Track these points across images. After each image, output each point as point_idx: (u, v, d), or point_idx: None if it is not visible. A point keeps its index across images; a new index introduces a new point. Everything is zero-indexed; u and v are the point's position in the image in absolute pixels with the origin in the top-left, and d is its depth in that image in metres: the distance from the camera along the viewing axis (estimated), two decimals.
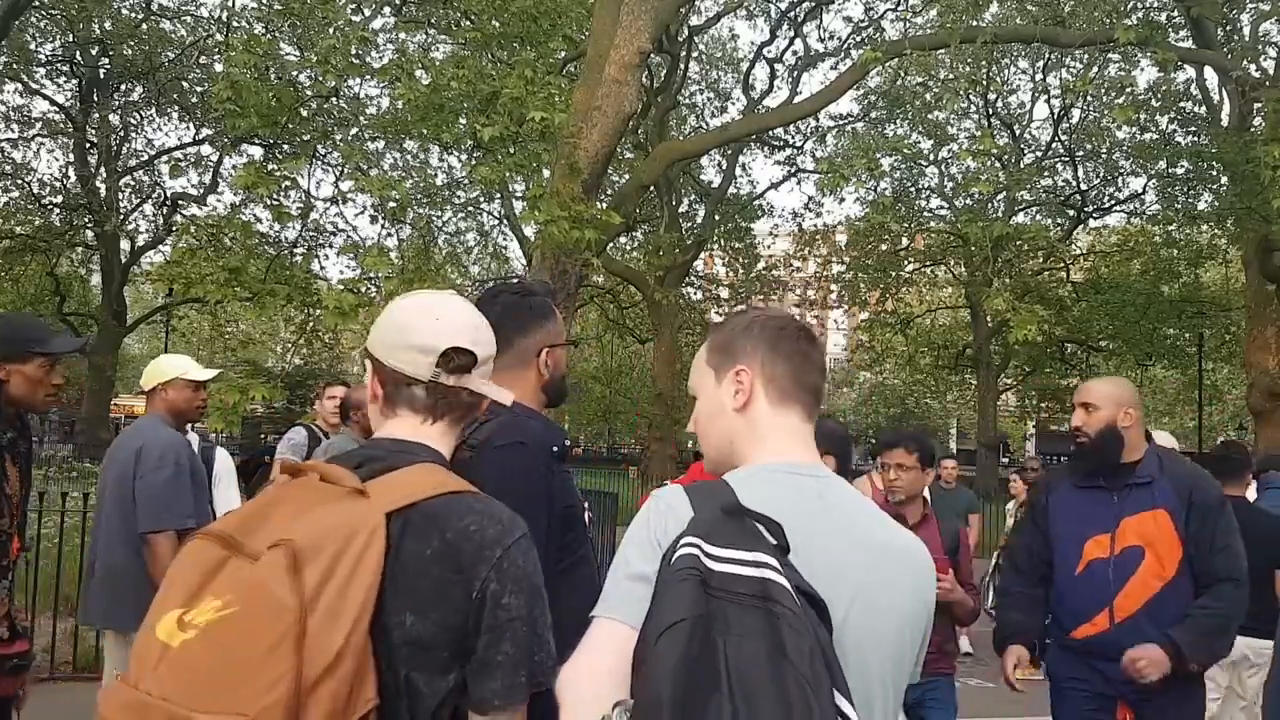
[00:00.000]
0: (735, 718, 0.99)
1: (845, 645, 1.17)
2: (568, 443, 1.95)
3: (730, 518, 1.18)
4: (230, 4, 14.34)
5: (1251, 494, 6.15)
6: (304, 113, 10.04)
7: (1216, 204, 17.71)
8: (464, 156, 12.41)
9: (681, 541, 1.16)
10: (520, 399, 1.87)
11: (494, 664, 1.28)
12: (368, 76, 9.65)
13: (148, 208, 23.15)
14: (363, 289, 9.11)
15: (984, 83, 19.22)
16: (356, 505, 1.28)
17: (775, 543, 1.15)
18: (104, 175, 20.75)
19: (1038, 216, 23.20)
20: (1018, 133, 22.83)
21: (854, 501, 1.31)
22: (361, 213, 15.04)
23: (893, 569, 1.24)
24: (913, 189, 23.36)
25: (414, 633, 1.26)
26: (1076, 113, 21.99)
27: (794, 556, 1.17)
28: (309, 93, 9.89)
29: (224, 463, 4.59)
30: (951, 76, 20.61)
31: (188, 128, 21.40)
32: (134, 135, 22.12)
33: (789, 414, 1.36)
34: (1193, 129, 19.18)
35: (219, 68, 14.07)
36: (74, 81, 20.85)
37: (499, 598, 1.29)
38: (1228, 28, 16.08)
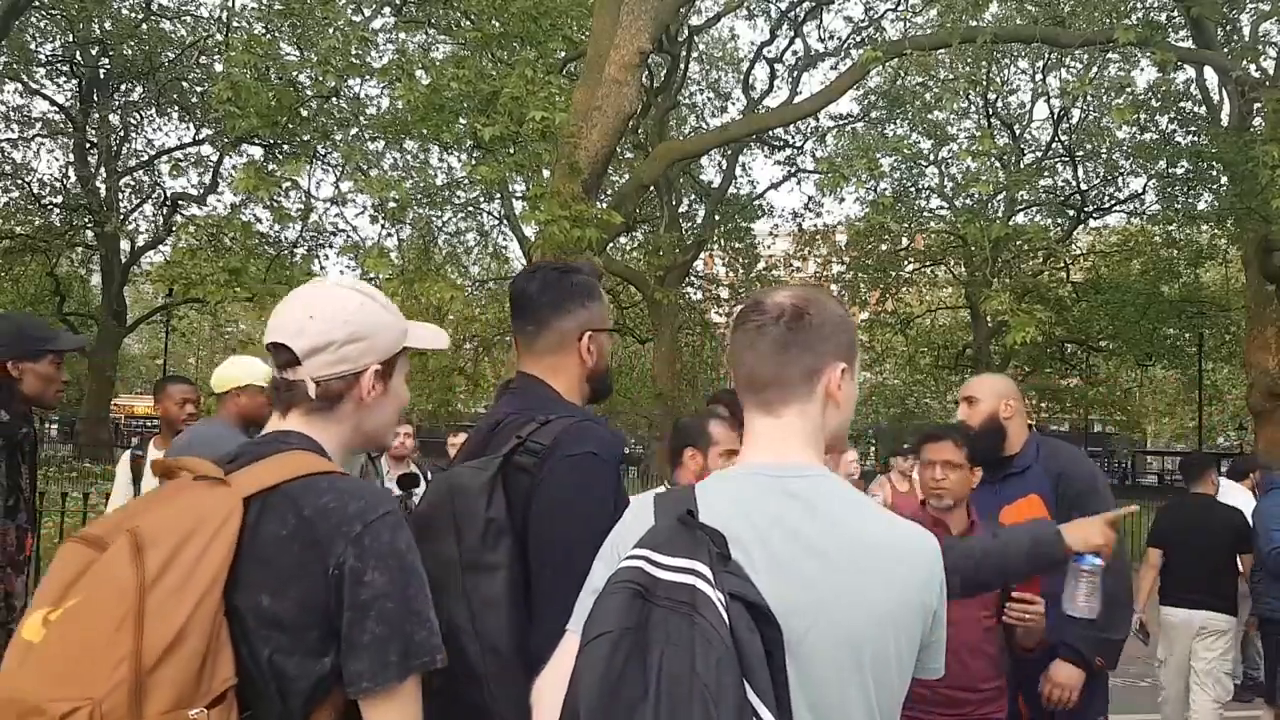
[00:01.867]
0: None
1: (815, 646, 1.17)
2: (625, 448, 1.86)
3: (682, 527, 1.18)
4: (230, 4, 14.35)
5: (1242, 495, 6.30)
6: (304, 113, 10.04)
7: (1216, 204, 17.70)
8: (464, 156, 12.41)
9: (629, 553, 1.17)
10: (563, 390, 1.76)
11: (360, 644, 1.24)
12: (368, 76, 9.65)
13: (148, 208, 23.15)
14: None
15: (984, 83, 19.21)
16: (215, 492, 1.29)
17: (717, 551, 1.15)
18: (104, 175, 20.74)
19: (1037, 216, 23.18)
20: (1018, 133, 22.82)
21: (839, 499, 1.28)
22: (361, 213, 15.07)
23: (878, 565, 1.22)
24: (913, 189, 23.34)
25: (271, 612, 1.25)
26: (1076, 113, 21.98)
27: (754, 561, 1.18)
28: (309, 93, 9.89)
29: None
30: (951, 76, 20.60)
31: (188, 128, 21.40)
32: (134, 135, 22.12)
33: (749, 412, 1.35)
34: (1193, 129, 19.16)
35: (219, 68, 14.07)
36: (74, 81, 20.84)
37: (359, 574, 1.25)
38: (1228, 28, 16.07)
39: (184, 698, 1.17)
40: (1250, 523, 5.23)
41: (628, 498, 1.75)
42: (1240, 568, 5.38)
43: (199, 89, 19.10)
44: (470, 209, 21.70)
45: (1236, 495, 6.76)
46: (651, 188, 17.24)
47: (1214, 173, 16.95)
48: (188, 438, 3.62)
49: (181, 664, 1.18)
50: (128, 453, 4.42)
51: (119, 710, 1.14)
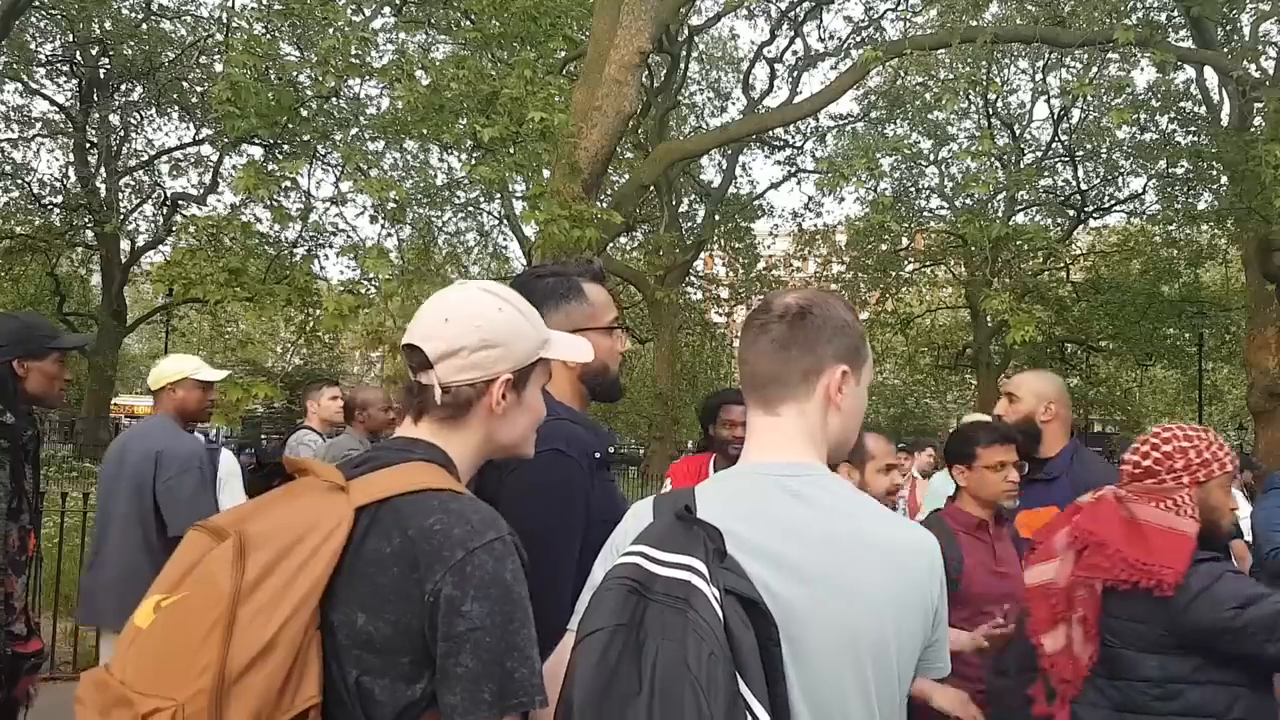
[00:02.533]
0: (651, 717, 1.03)
1: (813, 643, 1.18)
2: (612, 448, 1.83)
3: (679, 523, 1.19)
4: (230, 4, 14.34)
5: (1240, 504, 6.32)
6: (304, 113, 10.03)
7: (1216, 204, 17.69)
8: (464, 156, 12.41)
9: (626, 550, 1.18)
10: (555, 392, 1.74)
11: (452, 675, 1.19)
12: (368, 77, 9.65)
13: (148, 208, 23.15)
14: (362, 290, 9.12)
15: (984, 83, 19.19)
16: (331, 499, 1.26)
17: (713, 547, 1.15)
18: (104, 175, 20.74)
19: (1037, 216, 23.19)
20: (1018, 133, 22.82)
21: (838, 497, 1.28)
22: (361, 213, 15.04)
23: (877, 563, 1.22)
24: (913, 189, 23.36)
25: (364, 633, 1.21)
26: (1076, 113, 21.98)
27: (752, 558, 1.19)
28: (309, 93, 9.88)
29: (228, 465, 4.59)
30: (951, 76, 20.61)
31: (188, 128, 21.41)
32: (134, 135, 22.12)
33: (751, 411, 1.35)
34: (1193, 129, 19.17)
35: (219, 68, 14.07)
36: (74, 81, 20.85)
37: (457, 603, 1.19)
38: (1228, 28, 16.06)
39: (263, 712, 1.15)
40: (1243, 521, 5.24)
41: (615, 498, 1.77)
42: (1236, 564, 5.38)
43: (199, 89, 19.11)
44: (470, 209, 21.70)
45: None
46: (651, 188, 17.24)
47: (1214, 173, 16.95)
48: (125, 435, 3.77)
49: (265, 678, 1.15)
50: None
51: (199, 717, 1.13)
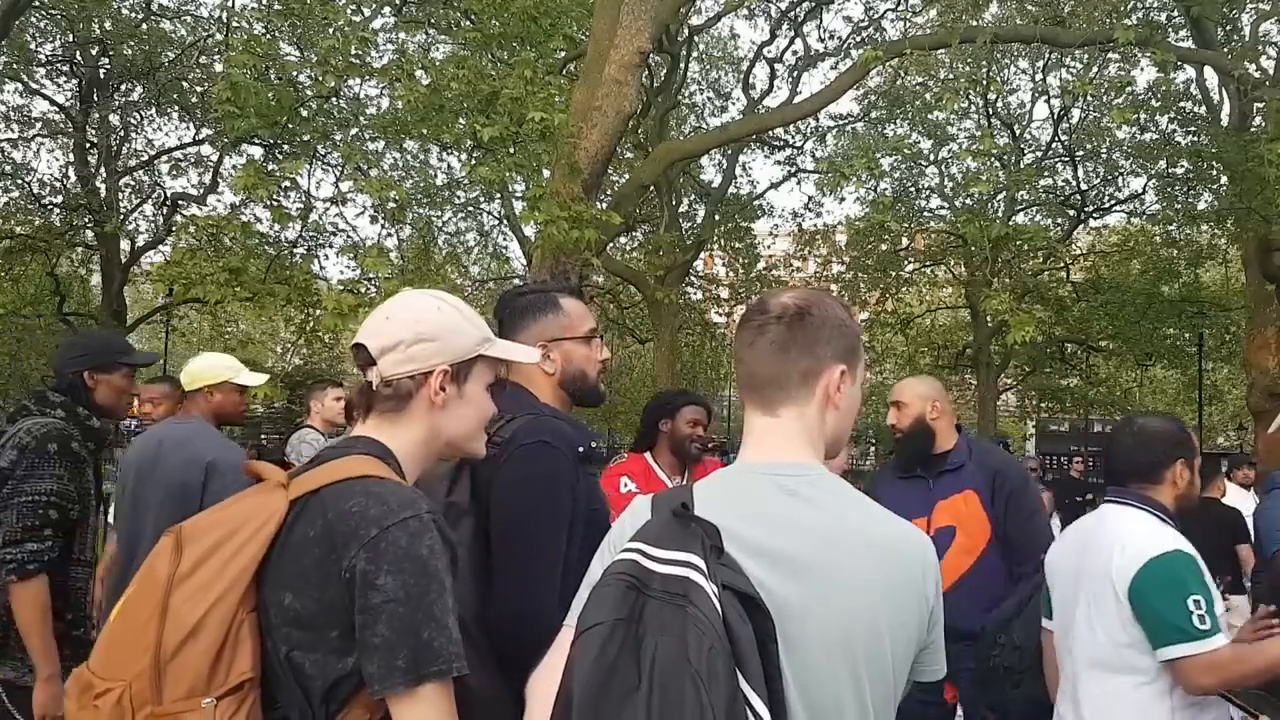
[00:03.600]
0: (650, 713, 1.03)
1: (809, 640, 1.18)
2: (595, 444, 1.95)
3: (676, 520, 1.20)
4: (230, 4, 14.34)
5: (1242, 496, 6.37)
6: (304, 113, 10.03)
7: (1216, 204, 17.69)
8: (464, 156, 12.41)
9: (624, 546, 1.18)
10: (543, 397, 1.90)
11: (370, 646, 1.26)
12: (368, 77, 9.64)
13: (148, 208, 23.11)
14: (362, 289, 9.12)
15: (984, 83, 19.18)
16: (270, 495, 1.38)
17: (711, 543, 1.16)
18: (104, 175, 20.72)
19: (1038, 216, 23.18)
20: (1018, 133, 22.81)
21: (836, 496, 1.29)
22: (361, 213, 15.06)
23: (873, 562, 1.23)
24: (913, 189, 23.33)
25: (292, 610, 1.30)
26: (1076, 113, 21.97)
27: (749, 555, 1.20)
28: (309, 93, 9.88)
29: None
30: (951, 76, 20.60)
31: (188, 128, 21.37)
32: (134, 135, 22.08)
33: (749, 411, 1.36)
34: (1193, 129, 19.16)
35: (219, 68, 14.06)
36: (74, 81, 20.82)
37: (371, 577, 1.27)
38: (1228, 28, 16.06)
39: (197, 687, 1.25)
40: (1247, 520, 5.24)
41: (598, 491, 1.89)
42: (1243, 567, 5.37)
43: (199, 89, 19.09)
44: (470, 209, 21.70)
45: (1233, 494, 6.82)
46: (651, 188, 17.23)
47: (1214, 173, 16.94)
48: (158, 438, 3.51)
49: (197, 656, 1.26)
50: None
51: (143, 695, 1.25)
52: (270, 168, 9.49)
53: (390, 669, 1.25)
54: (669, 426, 3.86)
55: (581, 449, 1.81)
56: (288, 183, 8.80)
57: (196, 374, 3.60)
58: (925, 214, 23.66)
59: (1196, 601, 2.12)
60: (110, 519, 3.98)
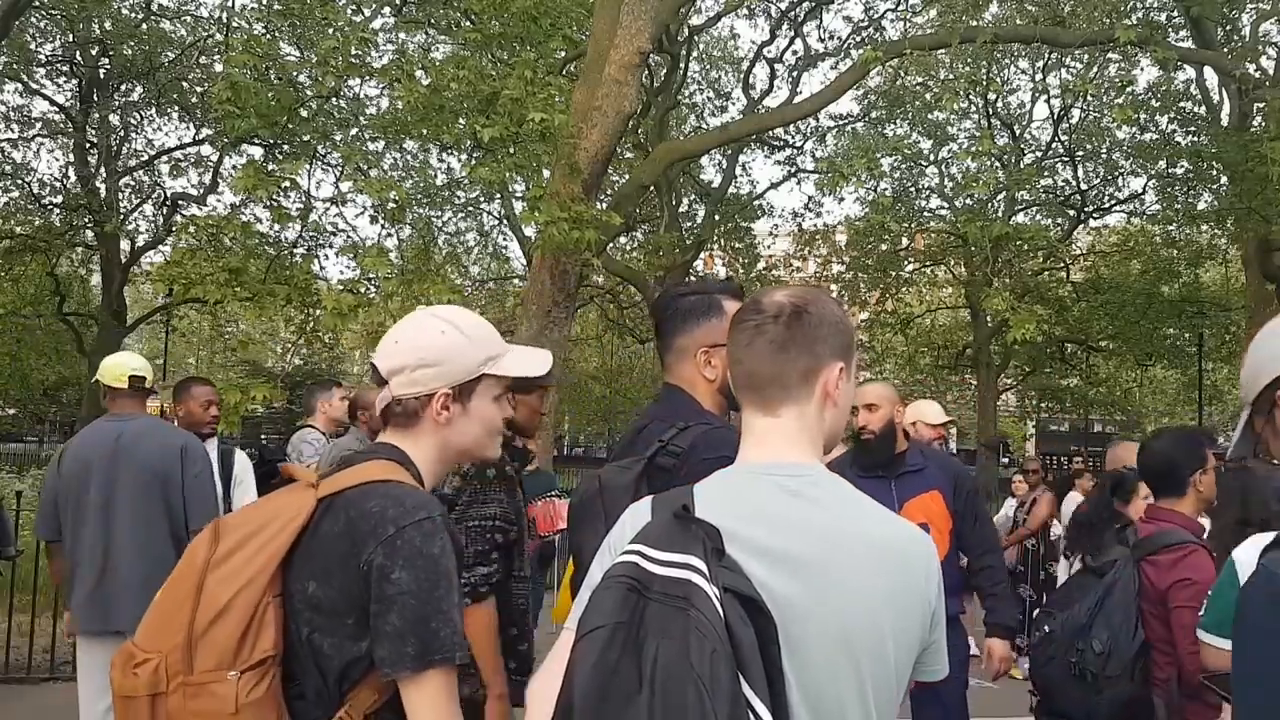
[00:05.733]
0: (651, 718, 1.04)
1: (810, 641, 1.18)
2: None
3: (677, 522, 1.19)
4: (230, 4, 14.34)
5: None
6: (304, 113, 10.03)
7: (1216, 204, 17.70)
8: (464, 157, 12.41)
9: (625, 549, 1.18)
10: (702, 400, 1.92)
11: (382, 633, 1.40)
12: (368, 77, 9.64)
13: (148, 208, 23.12)
14: (362, 289, 9.12)
15: (984, 83, 19.19)
16: (301, 494, 1.53)
17: (712, 546, 1.16)
18: (104, 175, 20.72)
19: (1038, 216, 23.19)
20: (1018, 133, 22.82)
21: (837, 496, 1.29)
22: (361, 213, 15.02)
23: (875, 563, 1.22)
24: (913, 189, 23.35)
25: (314, 598, 1.45)
26: (1076, 113, 21.98)
27: (750, 556, 1.19)
28: (309, 93, 9.88)
29: (243, 464, 4.63)
30: (951, 76, 20.60)
31: (188, 128, 21.38)
32: (134, 135, 22.09)
33: (747, 411, 1.35)
34: (1193, 129, 19.17)
35: (219, 68, 14.06)
36: (74, 81, 20.83)
37: (386, 571, 1.41)
38: (1228, 28, 16.07)
39: (224, 661, 1.40)
40: None
41: None
42: None
43: (199, 89, 19.10)
44: (470, 209, 21.70)
45: None
46: (651, 188, 17.24)
47: (1214, 173, 16.95)
48: (111, 437, 3.66)
49: (225, 633, 1.41)
50: None
51: (177, 665, 1.41)
52: (270, 168, 9.49)
53: (400, 654, 1.39)
54: None
55: None
56: (288, 183, 8.78)
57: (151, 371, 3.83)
58: (925, 214, 23.67)
59: None
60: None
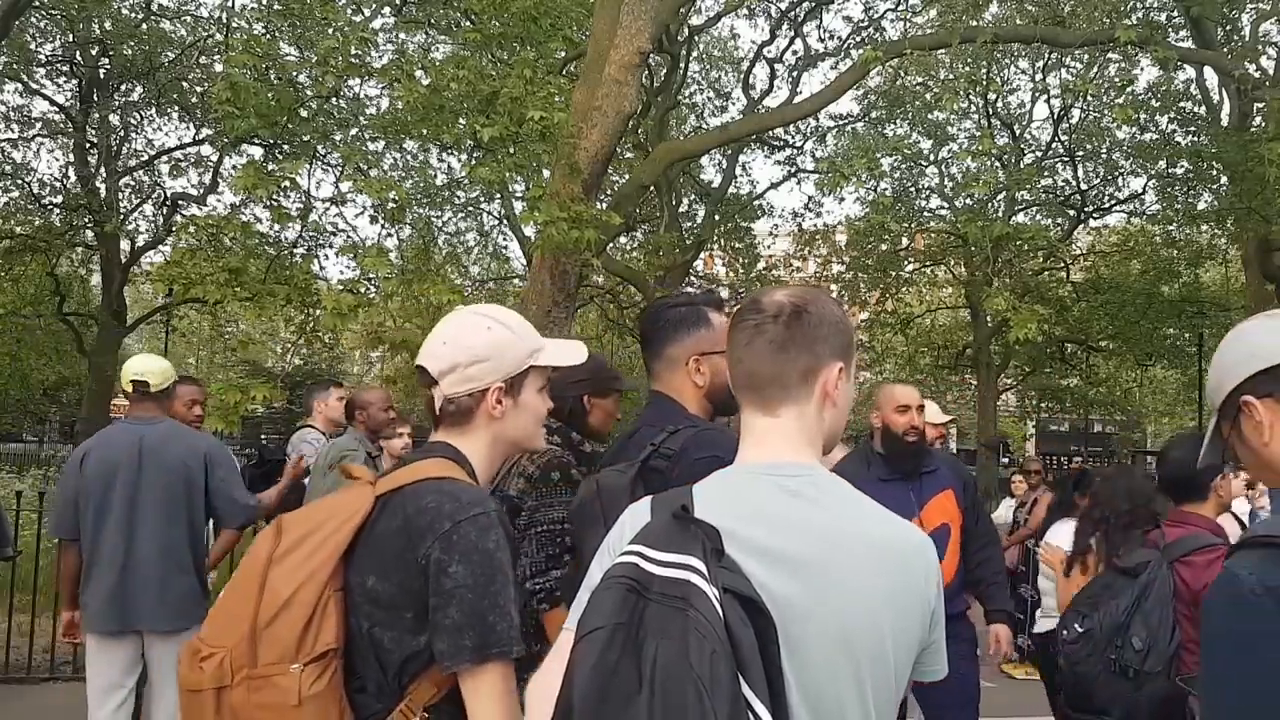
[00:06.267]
0: (651, 718, 1.04)
1: (810, 642, 1.18)
2: None
3: (676, 523, 1.19)
4: (230, 4, 14.34)
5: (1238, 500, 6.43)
6: (304, 113, 10.02)
7: (1216, 204, 17.69)
8: (464, 156, 12.40)
9: (624, 549, 1.18)
10: (689, 406, 2.01)
11: (441, 627, 1.44)
12: (368, 77, 9.64)
13: (148, 208, 23.11)
14: (362, 289, 9.11)
15: (984, 83, 19.18)
16: (360, 491, 1.57)
17: (711, 546, 1.16)
18: (104, 175, 20.72)
19: (1038, 216, 23.18)
20: (1018, 133, 22.81)
21: (836, 496, 1.29)
22: (361, 213, 15.01)
23: (874, 563, 1.22)
24: (913, 189, 23.33)
25: (374, 592, 1.49)
26: (1076, 113, 21.97)
27: (749, 557, 1.19)
28: (309, 93, 9.88)
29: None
30: (951, 76, 20.60)
31: (188, 128, 21.38)
32: (134, 135, 22.08)
33: (746, 412, 1.35)
34: (1193, 129, 19.16)
35: (219, 68, 14.06)
36: (74, 81, 20.83)
37: (444, 566, 1.45)
38: (1228, 28, 16.06)
39: (287, 654, 1.43)
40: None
41: None
42: None
43: (199, 89, 19.10)
44: (470, 209, 21.69)
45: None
46: (651, 188, 17.23)
47: (1214, 173, 16.95)
48: (135, 440, 3.72)
49: (287, 626, 1.44)
50: None
51: (241, 658, 1.44)
52: (270, 168, 9.48)
53: (459, 647, 1.43)
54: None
55: None
56: (287, 183, 8.78)
57: (168, 374, 3.85)
58: (925, 214, 23.66)
59: None
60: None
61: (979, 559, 3.72)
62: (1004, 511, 9.19)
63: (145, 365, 3.83)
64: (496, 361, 1.64)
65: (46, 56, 20.06)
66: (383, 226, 10.48)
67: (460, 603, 1.43)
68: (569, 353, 1.77)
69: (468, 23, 11.91)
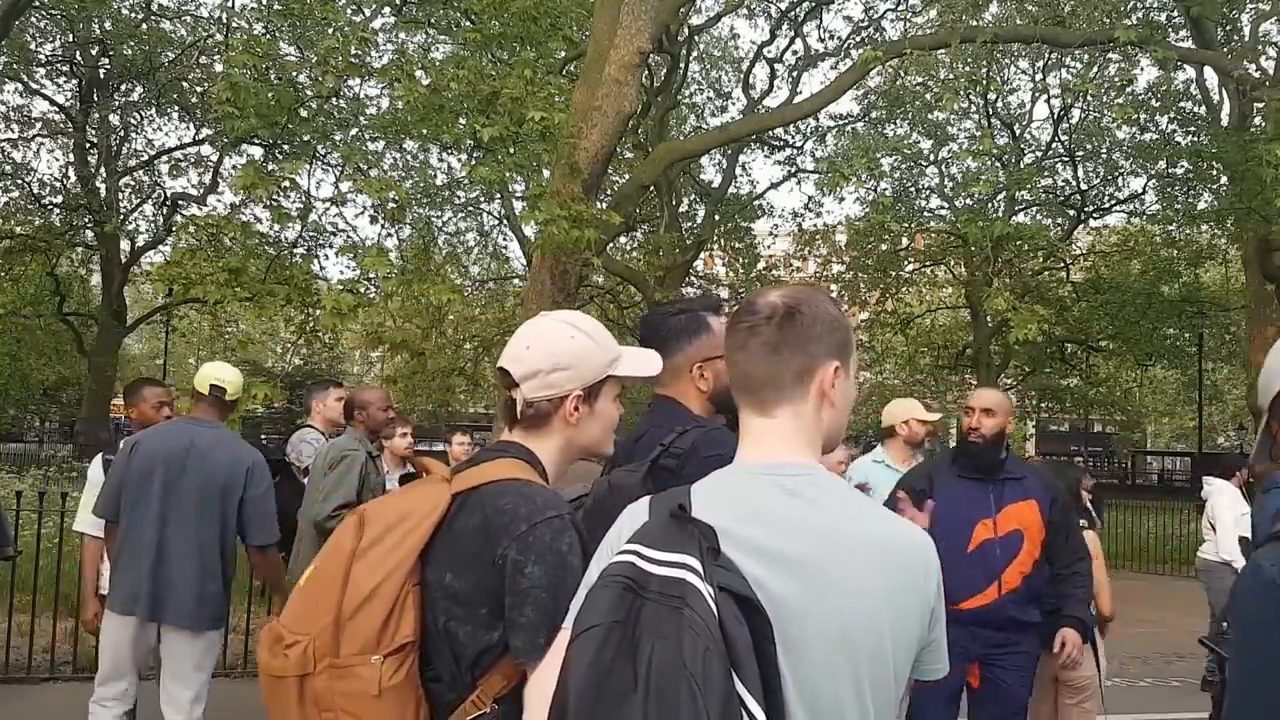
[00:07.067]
0: (646, 717, 1.04)
1: (808, 641, 1.18)
2: None
3: (673, 522, 1.20)
4: (230, 4, 14.35)
5: (1230, 493, 6.50)
6: (304, 113, 10.02)
7: (1216, 204, 17.70)
8: (464, 156, 12.41)
9: (621, 548, 1.18)
10: (693, 409, 2.06)
11: (517, 625, 1.48)
12: (368, 77, 9.64)
13: (148, 208, 23.16)
14: (362, 289, 9.12)
15: (984, 83, 19.19)
16: (436, 488, 1.62)
17: (708, 545, 1.16)
18: (104, 175, 20.74)
19: (1038, 216, 23.19)
20: (1018, 133, 22.82)
21: (835, 496, 1.28)
22: (361, 213, 15.04)
23: (873, 562, 1.22)
24: (913, 189, 23.34)
25: (451, 588, 1.54)
26: (1076, 113, 21.98)
27: (747, 556, 1.19)
28: (309, 93, 9.88)
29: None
30: (951, 76, 20.59)
31: (188, 128, 21.42)
32: (134, 135, 22.12)
33: (743, 413, 1.35)
34: (1193, 129, 19.17)
35: (219, 68, 14.07)
36: (74, 81, 20.85)
37: (520, 566, 1.49)
38: (1228, 28, 16.07)
39: (368, 645, 1.48)
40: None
41: None
42: None
43: (199, 89, 19.11)
44: (470, 209, 21.70)
45: (1224, 493, 6.87)
46: (651, 188, 17.24)
47: (1214, 173, 16.96)
48: (188, 435, 3.81)
49: (369, 619, 1.49)
50: (100, 456, 4.50)
51: (325, 648, 1.49)
52: (270, 168, 9.48)
53: (534, 645, 1.46)
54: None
55: None
56: (287, 183, 8.78)
57: (233, 380, 3.95)
58: (925, 214, 23.66)
59: None
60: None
61: (1069, 571, 3.76)
62: None
63: (224, 374, 3.94)
64: (578, 370, 1.68)
65: (46, 56, 20.08)
66: (383, 226, 10.50)
67: (535, 602, 1.47)
68: (645, 363, 1.81)
69: (468, 23, 11.91)
